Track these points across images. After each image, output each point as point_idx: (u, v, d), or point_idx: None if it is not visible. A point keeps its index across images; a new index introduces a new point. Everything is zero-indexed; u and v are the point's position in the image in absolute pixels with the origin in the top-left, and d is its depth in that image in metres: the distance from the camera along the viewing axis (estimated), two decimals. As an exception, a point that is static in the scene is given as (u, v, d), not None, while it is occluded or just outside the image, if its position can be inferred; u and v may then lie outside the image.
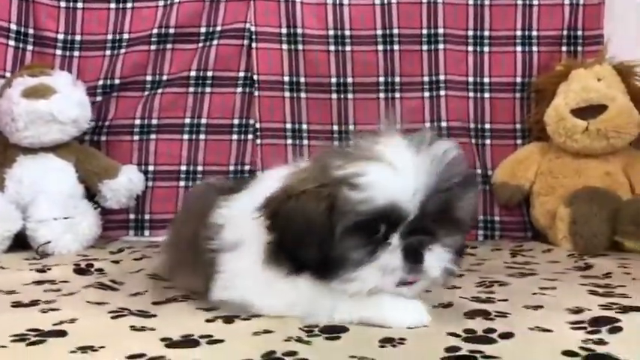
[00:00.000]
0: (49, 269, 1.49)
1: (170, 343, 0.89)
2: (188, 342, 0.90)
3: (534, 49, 2.26)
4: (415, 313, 0.97)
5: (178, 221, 1.42)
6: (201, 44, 2.23)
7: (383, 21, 2.24)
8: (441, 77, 2.25)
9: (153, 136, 2.21)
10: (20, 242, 1.84)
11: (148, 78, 2.23)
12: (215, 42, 2.22)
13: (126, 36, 2.23)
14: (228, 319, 1.01)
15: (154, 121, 2.21)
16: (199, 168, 2.22)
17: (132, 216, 2.19)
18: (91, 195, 2.10)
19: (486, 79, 2.26)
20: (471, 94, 2.26)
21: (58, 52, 2.21)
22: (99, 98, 2.21)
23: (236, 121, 2.24)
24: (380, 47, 2.24)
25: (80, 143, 2.15)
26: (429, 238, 0.95)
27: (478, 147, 2.26)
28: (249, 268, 1.03)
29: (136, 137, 2.21)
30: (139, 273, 1.48)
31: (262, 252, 1.01)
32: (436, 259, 0.96)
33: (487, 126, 2.26)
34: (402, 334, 0.92)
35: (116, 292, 1.28)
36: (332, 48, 2.24)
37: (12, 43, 2.17)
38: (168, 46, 2.23)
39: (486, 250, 1.91)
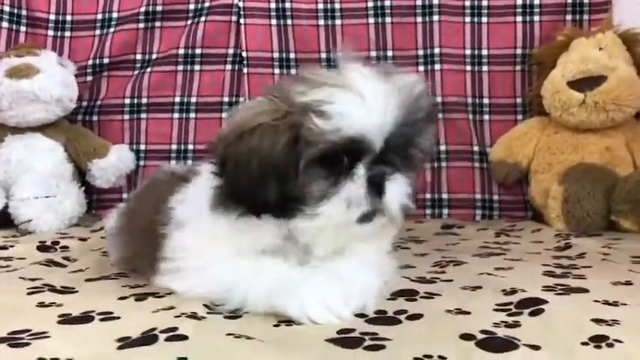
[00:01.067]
0: (12, 246, 1.50)
1: (64, 320, 0.88)
2: (82, 318, 0.88)
3: (536, 18, 2.13)
4: (324, 310, 0.87)
5: (131, 208, 1.36)
6: (189, 21, 2.21)
7: (373, -8, 2.16)
8: (436, 50, 2.16)
9: (143, 115, 2.21)
10: (5, 220, 1.87)
11: (138, 57, 2.22)
12: (203, 19, 2.19)
13: (115, 15, 2.22)
14: (141, 297, 0.99)
15: (144, 100, 2.20)
16: (190, 147, 2.21)
17: (124, 195, 2.20)
18: (82, 174, 2.12)
19: (484, 52, 2.15)
20: (468, 68, 2.16)
21: (50, 32, 2.23)
22: (89, 78, 2.21)
23: (226, 99, 2.21)
24: (371, 20, 2.16)
25: (72, 123, 2.17)
26: (391, 170, 0.91)
27: (476, 123, 2.16)
28: (184, 247, 1.00)
29: (127, 116, 2.21)
30: (99, 251, 1.47)
31: (210, 201, 0.95)
32: (396, 191, 0.91)
33: (485, 101, 2.16)
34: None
35: (61, 268, 1.28)
36: (321, 22, 2.17)
37: (5, 24, 2.20)
38: (157, 24, 2.21)
39: (473, 229, 1.83)
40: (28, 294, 1.02)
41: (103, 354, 0.73)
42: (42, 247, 1.51)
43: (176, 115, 2.21)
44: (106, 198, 2.19)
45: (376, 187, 0.90)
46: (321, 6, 2.17)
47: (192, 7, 2.21)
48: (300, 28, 2.17)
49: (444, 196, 2.17)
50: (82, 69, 2.19)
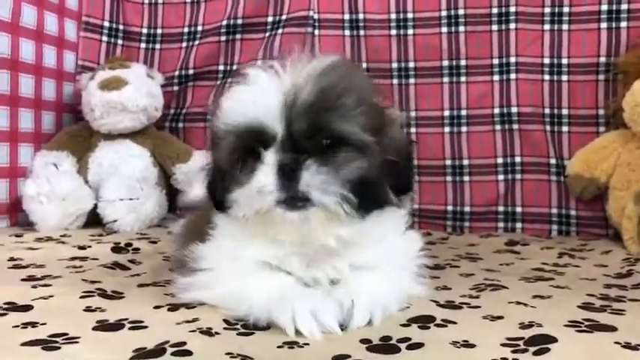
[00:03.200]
0: (90, 247, 1.66)
1: (98, 326, 0.97)
2: (115, 326, 0.97)
3: (622, 24, 2.02)
4: (312, 322, 0.91)
5: (194, 214, 1.48)
6: (267, 33, 2.30)
7: (448, 1, 2.13)
8: (512, 59, 2.10)
9: (224, 123, 2.33)
10: (97, 219, 2.06)
11: (220, 67, 2.35)
12: (280, 31, 2.27)
13: (200, 28, 2.37)
14: (174, 308, 1.07)
15: (225, 109, 2.32)
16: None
17: (205, 198, 2.34)
18: (168, 177, 2.28)
19: (564, 60, 2.07)
20: (547, 77, 2.08)
21: (143, 45, 2.42)
22: (176, 87, 2.37)
23: (300, 108, 2.27)
24: (444, 29, 2.15)
25: (160, 129, 2.34)
26: (304, 157, 0.92)
27: (554, 134, 2.08)
28: (209, 255, 1.08)
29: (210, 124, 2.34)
30: (164, 254, 1.59)
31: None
32: (313, 177, 0.91)
33: (564, 112, 2.08)
34: (310, 339, 0.91)
35: (123, 271, 1.41)
36: (394, 32, 2.18)
37: (105, 38, 2.41)
38: (237, 36, 2.33)
39: (537, 247, 1.77)
40: (81, 297, 1.14)
41: (114, 363, 0.82)
42: (116, 249, 1.65)
43: (253, 123, 2.30)
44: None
45: (287, 175, 0.91)
46: (393, 16, 2.18)
47: (270, 19, 2.30)
48: (372, 38, 2.20)
49: (518, 209, 2.12)
50: (170, 79, 2.36)
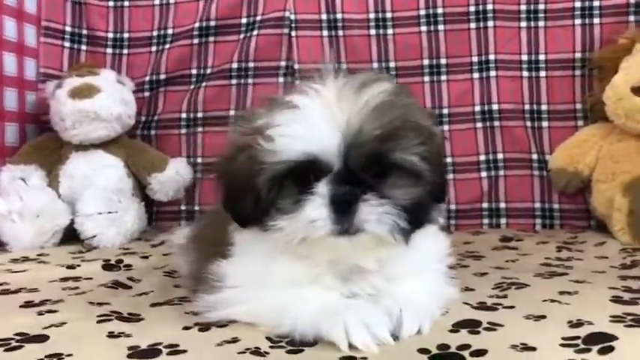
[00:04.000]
0: (79, 266, 1.56)
1: (133, 353, 0.90)
2: (150, 352, 0.90)
3: (595, 20, 2.07)
4: (366, 335, 0.88)
5: (204, 225, 1.39)
6: (242, 35, 2.23)
7: (426, 0, 2.13)
8: (491, 57, 2.12)
9: (200, 129, 2.25)
10: (72, 235, 1.94)
11: (193, 72, 2.27)
12: (255, 32, 2.21)
13: (170, 31, 2.28)
14: (205, 327, 1.01)
15: (200, 114, 2.25)
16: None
17: (183, 207, 2.25)
18: (143, 188, 2.18)
19: (542, 57, 2.10)
20: (525, 74, 2.11)
21: (109, 50, 2.30)
22: (147, 94, 2.27)
23: (279, 111, 2.22)
24: (423, 28, 2.14)
25: (132, 138, 2.24)
26: (361, 189, 0.89)
27: (534, 130, 2.11)
28: (239, 272, 1.02)
29: (184, 130, 2.26)
30: (162, 269, 1.51)
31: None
32: (370, 210, 0.89)
33: (544, 107, 2.11)
34: (367, 353, 0.87)
35: (127, 290, 1.32)
36: (373, 32, 2.16)
37: (67, 44, 2.29)
38: (211, 39, 2.25)
39: (532, 243, 1.79)
40: (98, 322, 1.06)
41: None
42: (107, 266, 1.56)
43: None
44: (165, 210, 2.25)
45: (342, 208, 0.89)
46: (372, 15, 2.16)
47: (244, 21, 2.24)
48: (351, 38, 2.17)
49: (502, 205, 2.14)
50: (140, 85, 2.25)
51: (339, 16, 2.17)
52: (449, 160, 2.14)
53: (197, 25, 2.24)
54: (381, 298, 0.99)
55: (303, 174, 0.91)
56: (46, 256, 1.73)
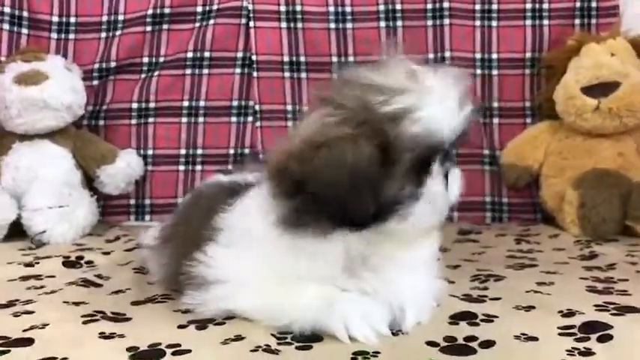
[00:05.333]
0: (38, 263, 1.48)
1: (135, 354, 0.86)
2: (153, 352, 0.87)
3: (545, 22, 2.15)
4: (365, 327, 0.90)
5: (176, 223, 1.33)
6: (197, 24, 2.17)
7: (385, -5, 2.15)
8: (447, 54, 2.16)
9: (151, 120, 2.17)
10: (18, 231, 1.83)
11: (145, 60, 2.18)
12: (212, 21, 2.15)
13: (121, 17, 2.17)
14: (201, 325, 0.97)
15: (152, 105, 2.17)
16: (199, 151, 2.18)
17: (132, 201, 2.17)
18: (90, 180, 2.08)
19: (494, 55, 2.17)
20: (478, 71, 2.17)
21: (53, 35, 2.17)
22: (95, 82, 2.17)
23: (235, 103, 2.18)
24: (382, 24, 2.16)
25: (78, 128, 2.12)
26: (451, 164, 0.96)
27: (486, 126, 2.18)
28: (237, 267, 0.99)
29: (134, 121, 2.17)
30: (127, 265, 1.45)
31: (279, 221, 0.92)
32: (457, 183, 0.98)
33: (495, 104, 2.18)
34: (377, 347, 0.87)
35: (99, 288, 1.26)
36: (332, 25, 2.16)
37: (6, 26, 2.14)
38: (164, 26, 2.17)
39: (491, 235, 1.85)
40: (84, 323, 1.00)
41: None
42: (67, 263, 1.48)
43: (184, 120, 2.18)
44: (114, 204, 2.16)
45: (446, 181, 0.94)
46: (332, 9, 2.15)
47: (200, 9, 2.17)
48: (310, 31, 2.16)
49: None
50: (88, 73, 2.15)
51: (298, 7, 2.15)
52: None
53: (150, 12, 2.15)
54: (381, 292, 1.00)
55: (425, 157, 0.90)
56: (-6, 253, 1.62)
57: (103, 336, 0.94)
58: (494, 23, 2.16)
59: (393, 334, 0.93)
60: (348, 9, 2.15)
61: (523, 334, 0.91)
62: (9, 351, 0.88)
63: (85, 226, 1.89)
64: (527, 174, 2.07)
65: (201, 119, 2.18)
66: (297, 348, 0.88)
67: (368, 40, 2.15)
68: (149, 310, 1.09)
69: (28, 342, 0.92)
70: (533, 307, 1.05)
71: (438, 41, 2.17)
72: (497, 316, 1.01)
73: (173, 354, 0.86)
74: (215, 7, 2.16)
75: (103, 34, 2.17)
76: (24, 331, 0.96)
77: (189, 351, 0.87)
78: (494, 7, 2.16)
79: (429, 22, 2.17)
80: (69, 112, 1.95)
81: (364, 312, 0.91)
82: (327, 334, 0.91)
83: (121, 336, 0.94)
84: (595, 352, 0.84)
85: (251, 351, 0.86)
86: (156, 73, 2.17)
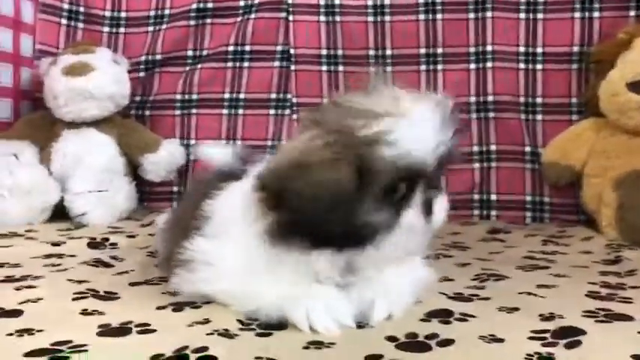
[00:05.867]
0: (65, 243, 1.57)
1: (104, 331, 0.90)
2: (121, 330, 0.91)
3: (595, 14, 2.04)
4: (326, 318, 0.90)
5: (178, 207, 1.40)
6: (239, 18, 2.22)
7: (426, -12, 2.11)
8: (489, 47, 2.10)
9: (194, 111, 2.25)
10: (63, 212, 1.95)
11: (189, 53, 2.26)
12: (252, 15, 2.20)
13: (167, 12, 2.27)
14: (178, 308, 1.01)
15: (195, 96, 2.24)
16: (238, 142, 2.23)
17: (174, 188, 2.26)
18: (134, 168, 2.18)
19: (539, 49, 2.08)
20: (522, 66, 2.10)
21: (106, 29, 2.29)
22: (142, 74, 2.27)
23: (273, 96, 2.22)
24: (422, 16, 2.13)
25: (126, 118, 2.23)
26: (437, 190, 0.94)
27: (528, 123, 2.10)
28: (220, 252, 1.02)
29: (178, 112, 2.26)
30: (146, 249, 1.51)
31: (261, 235, 0.93)
32: (441, 209, 0.95)
33: (539, 100, 2.10)
34: (335, 338, 0.87)
35: (108, 268, 1.33)
36: (370, 19, 2.15)
37: (64, 21, 2.28)
38: (208, 20, 2.24)
39: (520, 235, 1.78)
40: (74, 299, 1.06)
41: (137, 372, 0.76)
42: (92, 244, 1.56)
43: (225, 111, 2.24)
44: (157, 191, 2.25)
45: (428, 210, 0.92)
46: (370, 2, 2.15)
47: (242, 3, 2.23)
48: (348, 24, 2.16)
49: (493, 197, 2.13)
50: (136, 65, 2.25)
51: (336, 1, 2.16)
52: (442, 150, 2.14)
53: (194, 6, 2.23)
54: (355, 285, 1.00)
55: (397, 183, 0.89)
56: (35, 232, 1.74)
57: (85, 312, 0.99)
58: (540, 15, 2.08)
59: (360, 327, 0.93)
60: (387, 1, 2.14)
61: (491, 335, 0.89)
62: (-5, 320, 0.95)
63: (122, 210, 1.99)
64: (569, 173, 1.98)
65: (240, 111, 2.23)
66: (257, 334, 0.89)
67: (405, 34, 2.12)
68: (141, 290, 1.14)
69: (18, 313, 0.98)
70: (517, 309, 1.01)
71: (479, 35, 2.11)
72: (474, 316, 0.98)
73: (138, 332, 0.90)
74: (257, 1, 2.21)
75: (150, 28, 2.27)
76: (19, 303, 1.03)
77: (154, 330, 0.91)
78: (541, -2, 2.07)
79: (471, 15, 2.11)
80: (112, 101, 2.06)
81: (328, 304, 0.92)
82: (294, 325, 0.91)
83: (101, 313, 0.99)
84: (556, 357, 0.80)
85: (207, 334, 0.88)
86: (199, 65, 2.24)
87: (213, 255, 1.01)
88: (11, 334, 0.89)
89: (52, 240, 1.61)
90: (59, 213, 1.95)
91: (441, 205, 0.95)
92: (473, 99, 2.12)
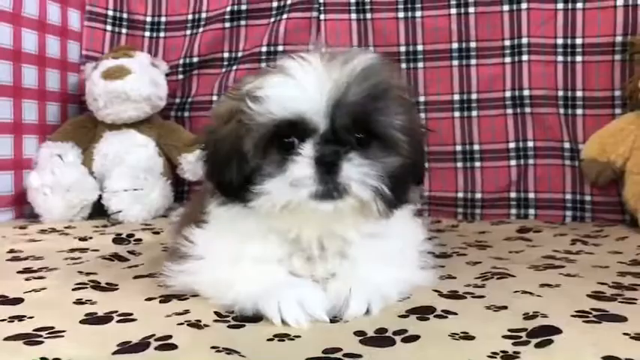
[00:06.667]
0: (92, 238, 1.64)
1: (86, 319, 0.94)
2: (103, 319, 0.94)
3: (639, 1, 1.93)
4: (298, 311, 0.90)
5: (189, 204, 1.44)
6: (272, 19, 2.25)
7: (457, -18, 2.07)
8: (524, 40, 2.03)
9: (230, 111, 2.29)
10: (102, 210, 2.04)
11: (225, 55, 2.32)
12: (285, 16, 2.22)
13: (204, 15, 2.32)
14: (166, 299, 1.04)
15: (230, 97, 2.28)
16: (273, 141, 2.26)
17: (212, 187, 2.31)
18: (174, 167, 2.25)
19: (579, 40, 2.00)
20: (560, 58, 2.01)
21: (147, 33, 2.39)
22: (181, 76, 2.34)
23: (306, 95, 2.23)
24: (453, 11, 2.08)
25: (165, 119, 2.31)
26: (345, 149, 0.90)
27: (568, 118, 2.02)
28: (203, 244, 1.05)
29: (214, 112, 2.30)
30: (165, 244, 1.56)
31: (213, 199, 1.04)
32: (356, 171, 0.90)
33: (579, 94, 2.01)
34: (303, 331, 0.87)
35: (122, 262, 1.38)
36: (401, 15, 2.12)
37: (109, 27, 2.39)
38: (242, 22, 2.29)
39: (549, 234, 1.71)
40: (73, 289, 1.11)
41: (96, 358, 0.79)
42: (117, 240, 1.63)
43: (260, 111, 2.26)
44: (195, 190, 2.31)
45: (327, 167, 0.89)
46: (401, -2, 2.12)
47: (275, 4, 2.25)
48: (379, 21, 2.14)
49: (531, 195, 2.06)
50: (174, 68, 2.32)
51: (367, -2, 2.15)
52: (476, 147, 2.08)
53: (229, 8, 2.28)
54: (335, 279, 1.00)
55: (288, 138, 0.92)
56: (71, 229, 1.84)
57: (78, 302, 1.04)
58: (579, 5, 1.99)
59: (335, 321, 0.92)
60: (417, -3, 2.10)
61: (463, 332, 0.86)
62: (-5, 307, 1.01)
63: (157, 208, 2.06)
64: (609, 170, 1.89)
65: (274, 111, 2.25)
66: (229, 326, 0.91)
67: (437, 29, 2.08)
68: (141, 283, 1.18)
69: (18, 301, 1.04)
70: (505, 308, 0.98)
71: (514, 27, 2.04)
72: (456, 314, 0.95)
73: (118, 322, 0.93)
74: (289, 1, 2.23)
75: (188, 32, 2.34)
76: (24, 292, 1.09)
77: (134, 320, 0.94)
78: (580, -13, 1.98)
79: (505, 7, 2.05)
80: (148, 103, 2.13)
81: (301, 297, 0.92)
82: (267, 318, 0.92)
83: (93, 303, 1.03)
84: (520, 356, 0.77)
85: (178, 324, 0.90)
86: (234, 67, 2.29)
87: (198, 247, 1.04)
88: (3, 320, 0.94)
89: (83, 235, 1.69)
90: (99, 210, 2.04)
91: (352, 167, 0.90)
92: (508, 94, 2.06)
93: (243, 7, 2.27)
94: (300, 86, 0.90)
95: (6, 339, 0.86)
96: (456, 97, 2.09)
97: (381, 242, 1.03)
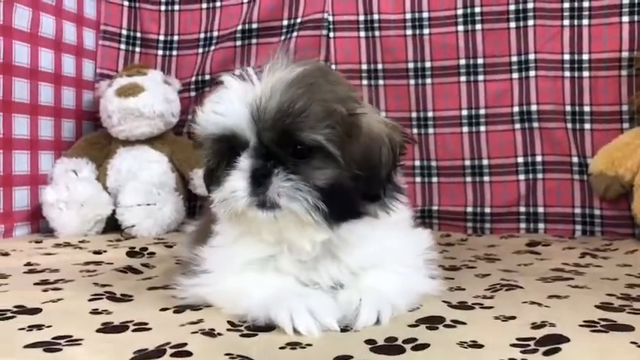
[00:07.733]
0: (106, 251, 1.67)
1: (103, 328, 0.97)
2: (119, 328, 0.97)
3: (645, 17, 1.96)
4: (310, 320, 0.91)
5: (202, 219, 1.47)
6: (283, 37, 2.29)
7: (464, -1, 2.10)
8: (531, 56, 2.06)
9: (241, 128, 2.33)
10: (116, 224, 2.08)
11: (236, 73, 2.34)
12: (295, 34, 2.26)
13: (215, 33, 2.37)
14: (180, 310, 1.06)
15: (241, 114, 2.32)
16: (283, 157, 2.29)
17: (224, 202, 2.33)
18: (186, 182, 2.29)
19: (585, 56, 2.02)
20: (567, 74, 2.04)
21: (160, 52, 2.43)
22: (193, 93, 2.38)
23: (316, 111, 2.26)
24: (460, 27, 2.11)
25: (178, 135, 2.35)
26: (272, 163, 0.94)
27: (576, 132, 2.03)
28: (211, 256, 1.08)
29: (226, 129, 2.34)
30: (178, 257, 1.59)
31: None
32: (282, 185, 0.93)
33: (586, 109, 2.03)
34: (315, 340, 0.89)
35: (136, 274, 1.40)
36: (409, 32, 2.16)
37: (123, 46, 2.44)
38: (253, 40, 2.33)
39: (557, 248, 1.72)
40: (90, 300, 1.14)
41: (113, 364, 0.81)
42: (131, 253, 1.66)
43: (270, 127, 2.30)
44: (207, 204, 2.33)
45: (256, 180, 0.94)
46: (409, 16, 2.16)
47: (285, 22, 2.30)
48: (388, 38, 2.18)
49: (540, 209, 2.07)
50: (187, 85, 2.36)
51: (375, 16, 2.18)
52: (485, 162, 2.10)
53: (240, 27, 2.32)
54: (345, 288, 1.02)
55: (230, 150, 0.97)
56: (86, 243, 1.87)
57: (95, 312, 1.06)
58: (585, 22, 2.02)
59: (346, 330, 0.94)
60: (425, 15, 2.14)
61: (472, 341, 0.87)
62: (14, 317, 1.03)
63: (170, 223, 2.09)
64: (618, 184, 1.90)
65: (285, 127, 2.29)
66: (241, 335, 0.93)
67: (445, 46, 2.11)
68: (154, 295, 1.20)
69: (37, 311, 1.07)
70: (513, 318, 0.99)
71: (521, 43, 2.07)
72: (465, 323, 0.97)
73: (134, 330, 0.96)
74: (299, 19, 2.27)
75: (200, 50, 2.39)
76: (42, 303, 1.12)
77: (149, 329, 0.96)
78: (586, 4, 2.02)
79: (512, 25, 2.08)
80: (161, 120, 2.17)
81: (312, 306, 0.94)
82: (280, 327, 0.94)
83: (109, 313, 1.05)
84: (528, 364, 0.78)
85: (192, 333, 0.92)
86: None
87: (210, 261, 1.06)
88: (22, 329, 0.97)
89: (97, 249, 1.72)
90: (113, 225, 2.08)
91: (280, 183, 0.93)
92: (516, 109, 2.08)
93: (254, 26, 2.31)
94: (228, 101, 0.95)
95: (26, 346, 0.88)
96: (464, 112, 2.11)
97: (380, 252, 1.05)
